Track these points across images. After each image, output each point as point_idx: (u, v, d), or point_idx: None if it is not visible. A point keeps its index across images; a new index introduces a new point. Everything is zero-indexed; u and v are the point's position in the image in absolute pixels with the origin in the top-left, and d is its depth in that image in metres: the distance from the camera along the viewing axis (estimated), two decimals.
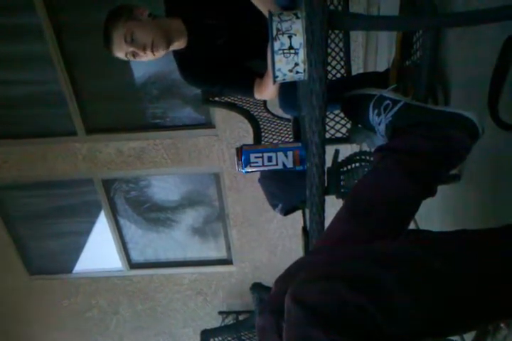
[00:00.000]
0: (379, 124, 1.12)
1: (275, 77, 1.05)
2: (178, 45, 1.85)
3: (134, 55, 1.75)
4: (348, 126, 2.03)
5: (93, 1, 3.59)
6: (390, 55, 2.41)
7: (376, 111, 1.12)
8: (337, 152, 1.58)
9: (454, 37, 1.57)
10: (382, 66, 2.83)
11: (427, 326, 0.78)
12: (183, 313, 5.44)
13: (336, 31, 2.07)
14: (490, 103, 1.19)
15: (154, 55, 1.75)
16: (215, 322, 5.19)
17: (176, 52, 1.91)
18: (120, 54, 1.76)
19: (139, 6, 1.77)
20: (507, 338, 1.21)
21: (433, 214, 1.88)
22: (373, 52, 3.26)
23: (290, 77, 1.05)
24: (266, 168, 1.22)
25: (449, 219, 1.78)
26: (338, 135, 2.05)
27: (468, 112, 1.03)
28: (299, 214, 1.98)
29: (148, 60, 1.81)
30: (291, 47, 0.98)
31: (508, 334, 1.21)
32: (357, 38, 3.38)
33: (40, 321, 5.54)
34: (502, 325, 1.21)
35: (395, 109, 1.09)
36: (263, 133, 2.36)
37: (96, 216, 4.88)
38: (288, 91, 1.69)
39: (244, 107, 2.39)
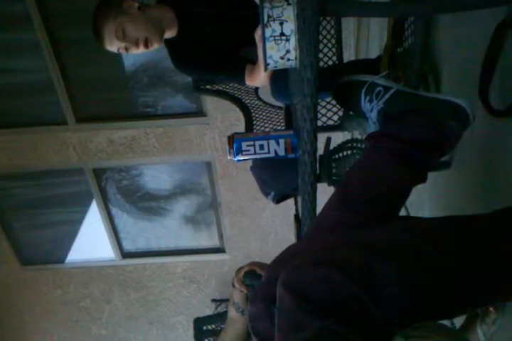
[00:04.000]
0: (371, 111, 1.12)
1: (266, 64, 1.05)
2: (169, 33, 1.84)
3: (127, 48, 1.73)
4: (340, 113, 2.03)
5: None
6: (381, 43, 2.40)
7: (368, 98, 1.12)
8: (329, 140, 1.59)
9: (445, 23, 1.56)
10: (373, 54, 2.83)
11: (418, 312, 0.79)
12: (176, 302, 5.46)
13: (328, 18, 2.06)
14: (481, 90, 1.19)
15: (148, 48, 1.75)
16: (208, 310, 5.22)
17: (166, 41, 1.90)
18: (112, 48, 1.75)
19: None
20: (496, 322, 1.23)
21: (424, 201, 1.89)
22: (365, 40, 3.25)
23: (281, 64, 1.05)
24: (258, 156, 1.22)
25: (439, 206, 1.79)
26: (330, 122, 2.04)
27: (460, 99, 1.03)
28: (291, 202, 1.99)
29: (141, 53, 1.80)
30: (282, 34, 0.98)
31: (496, 318, 1.22)
32: (348, 25, 3.36)
33: (33, 311, 5.54)
34: (491, 309, 1.23)
35: (387, 95, 1.09)
36: (255, 122, 2.36)
37: (87, 205, 4.87)
38: (280, 78, 1.68)
39: (236, 95, 2.38)
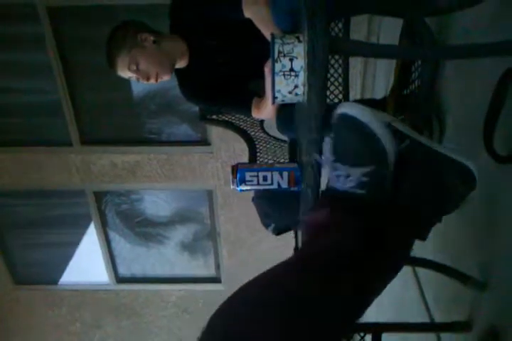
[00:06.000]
0: None
1: (274, 97, 1.07)
2: (180, 63, 1.88)
3: (138, 79, 1.80)
4: None
5: (96, 13, 3.63)
6: (387, 84, 2.44)
7: None
8: None
9: (452, 68, 1.59)
10: (379, 94, 2.87)
11: None
12: (168, 331, 5.37)
13: (336, 57, 2.10)
14: (485, 135, 1.20)
15: (157, 81, 1.82)
16: None
17: (177, 70, 1.93)
18: (124, 76, 1.80)
19: (142, 30, 1.76)
20: None
21: (427, 249, 1.87)
22: (371, 80, 3.31)
23: (289, 98, 1.07)
24: (261, 187, 1.22)
25: (441, 252, 1.78)
26: None
27: (470, 162, 0.96)
28: (291, 234, 1.98)
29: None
30: (291, 70, 1.00)
31: None
32: (356, 64, 3.42)
33: (22, 332, 5.45)
34: None
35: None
36: (258, 153, 2.37)
37: (86, 228, 4.85)
38: (286, 112, 1.71)
39: (241, 126, 2.40)
